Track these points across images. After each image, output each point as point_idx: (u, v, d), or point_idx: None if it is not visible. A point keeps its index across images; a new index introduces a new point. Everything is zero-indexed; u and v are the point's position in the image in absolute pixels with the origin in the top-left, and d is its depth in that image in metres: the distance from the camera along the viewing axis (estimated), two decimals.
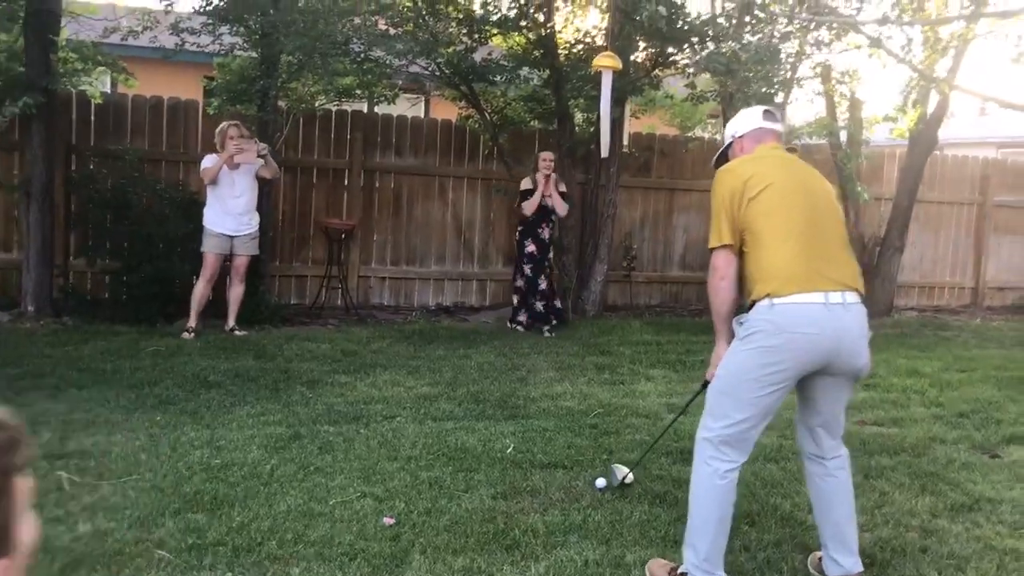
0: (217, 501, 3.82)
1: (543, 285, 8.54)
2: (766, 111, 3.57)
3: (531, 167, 8.60)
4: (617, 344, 8.05)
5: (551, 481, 4.33)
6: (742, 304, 3.34)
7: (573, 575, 3.32)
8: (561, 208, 8.47)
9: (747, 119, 3.56)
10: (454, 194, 10.09)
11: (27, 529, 0.91)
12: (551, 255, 8.74)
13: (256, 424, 5.02)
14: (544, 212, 8.48)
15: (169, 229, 7.88)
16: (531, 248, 8.53)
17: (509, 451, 4.75)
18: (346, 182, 9.63)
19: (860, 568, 3.33)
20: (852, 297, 3.21)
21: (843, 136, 10.25)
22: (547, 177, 8.39)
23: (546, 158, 8.45)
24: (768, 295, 3.14)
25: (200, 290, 7.53)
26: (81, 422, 4.86)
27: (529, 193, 8.43)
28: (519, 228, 8.71)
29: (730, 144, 3.60)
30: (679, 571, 3.27)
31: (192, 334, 7.32)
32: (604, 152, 7.63)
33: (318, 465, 4.38)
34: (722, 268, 3.30)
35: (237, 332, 7.57)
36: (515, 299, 8.67)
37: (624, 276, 10.50)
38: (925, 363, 7.75)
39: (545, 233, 8.57)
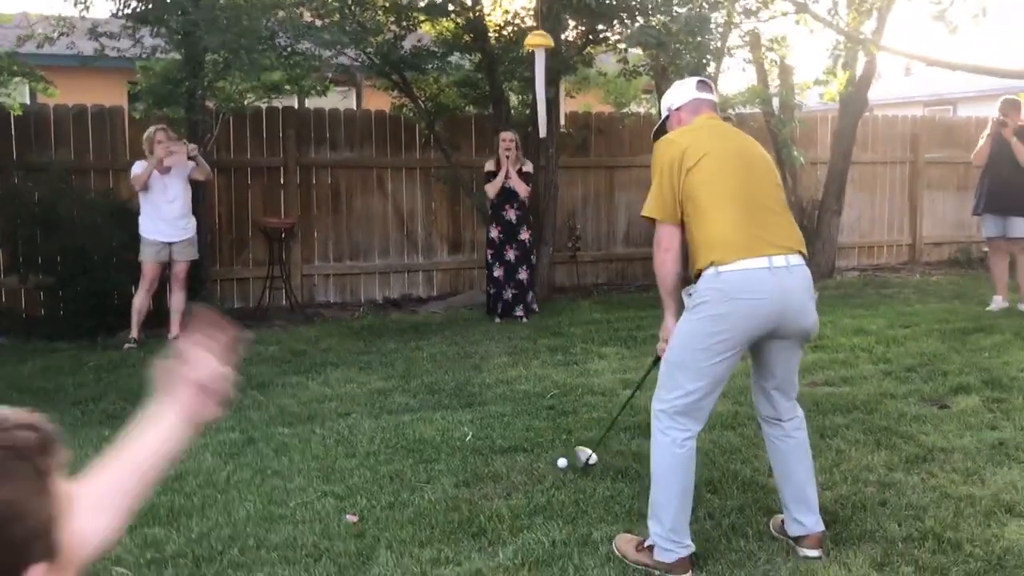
0: (174, 512, 3.73)
1: (497, 272, 8.37)
2: (700, 81, 3.59)
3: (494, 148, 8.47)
4: (568, 325, 8.05)
5: (512, 465, 4.31)
6: (687, 275, 3.35)
7: (541, 556, 3.31)
8: (521, 189, 8.31)
9: (682, 91, 3.58)
10: (393, 185, 9.98)
11: (74, 534, 0.91)
12: (525, 238, 8.44)
13: (208, 431, 4.90)
14: (509, 193, 8.32)
15: (103, 240, 7.67)
16: (494, 233, 8.41)
17: (468, 439, 4.72)
18: (282, 180, 9.46)
19: (822, 527, 3.37)
20: (795, 259, 3.24)
21: (776, 103, 10.36)
22: (507, 158, 8.23)
23: (505, 138, 8.28)
24: (713, 263, 3.16)
25: (140, 300, 7.35)
26: None
27: (492, 175, 8.34)
28: (489, 211, 8.62)
29: (667, 117, 3.61)
30: (646, 544, 3.28)
31: (135, 345, 7.15)
32: (542, 132, 7.60)
33: (275, 468, 4.30)
34: (666, 240, 3.32)
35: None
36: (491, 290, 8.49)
37: (570, 257, 10.51)
38: (870, 321, 7.89)
39: (511, 215, 8.35)
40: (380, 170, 9.90)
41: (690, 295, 3.25)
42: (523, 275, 8.40)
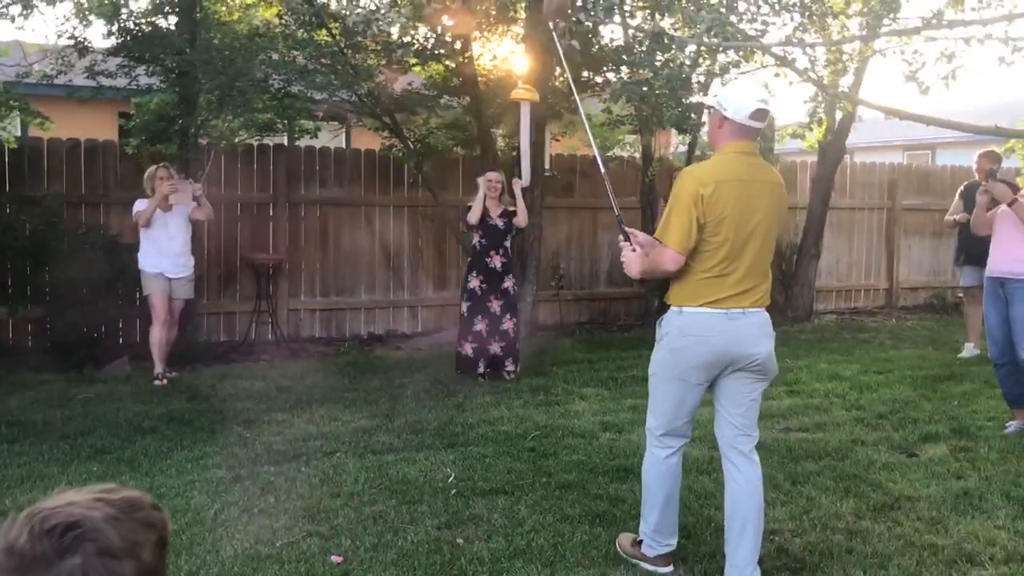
0: None
1: (479, 326, 7.54)
2: (758, 110, 3.51)
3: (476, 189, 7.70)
4: (550, 364, 8.18)
5: (493, 507, 4.43)
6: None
7: None
8: (522, 218, 7.69)
9: (739, 106, 3.52)
10: (380, 223, 10.14)
11: None
12: (509, 286, 7.66)
13: (195, 469, 5.01)
14: (494, 238, 7.60)
15: (93, 273, 7.77)
16: (474, 283, 7.59)
17: (450, 480, 4.83)
18: (271, 215, 9.61)
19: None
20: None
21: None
22: (496, 200, 7.63)
23: (492, 178, 7.61)
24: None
25: (157, 334, 7.30)
26: (15, 478, 4.79)
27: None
28: (468, 259, 7.96)
29: (715, 111, 3.60)
30: (637, 539, 3.81)
31: (164, 381, 7.18)
32: (525, 181, 7.76)
33: (261, 507, 4.40)
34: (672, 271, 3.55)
35: (169, 375, 7.48)
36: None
37: (553, 295, 10.68)
38: (845, 366, 8.07)
39: (496, 262, 7.58)
40: (368, 208, 10.05)
41: None
42: (508, 324, 7.60)
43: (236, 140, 8.92)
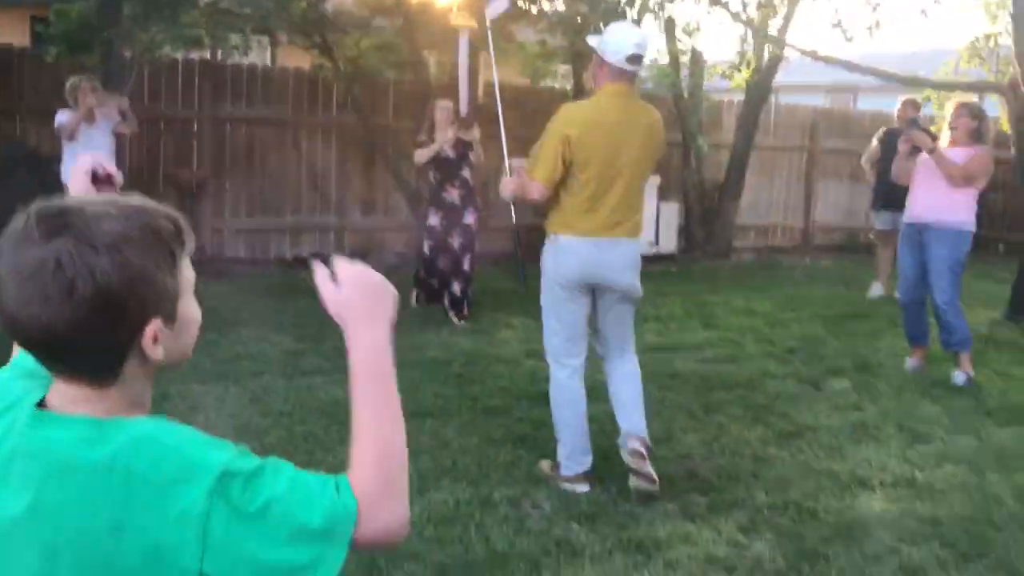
0: None
1: (441, 264, 7.25)
2: (634, 55, 3.77)
3: (425, 119, 7.29)
4: (478, 292, 8.27)
5: (420, 429, 4.57)
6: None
7: (447, 514, 3.60)
8: (477, 154, 7.30)
9: (616, 49, 3.78)
10: (308, 144, 10.02)
11: (192, 309, 1.20)
12: (471, 222, 7.30)
13: None
14: (449, 169, 7.18)
15: (12, 185, 7.55)
16: (433, 220, 7.24)
17: None
18: (195, 132, 9.41)
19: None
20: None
21: (684, 88, 10.75)
22: (448, 126, 7.09)
23: (445, 107, 7.11)
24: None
25: None
26: None
27: (425, 145, 7.16)
28: (428, 195, 7.61)
29: (594, 53, 3.92)
30: (556, 463, 4.02)
31: None
32: (464, 109, 7.73)
33: (190, 424, 4.45)
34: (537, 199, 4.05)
35: None
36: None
37: (482, 225, 10.72)
38: (760, 303, 8.38)
39: (453, 196, 7.20)
40: (295, 128, 9.92)
41: None
42: (467, 266, 7.26)
43: (156, 54, 8.66)
